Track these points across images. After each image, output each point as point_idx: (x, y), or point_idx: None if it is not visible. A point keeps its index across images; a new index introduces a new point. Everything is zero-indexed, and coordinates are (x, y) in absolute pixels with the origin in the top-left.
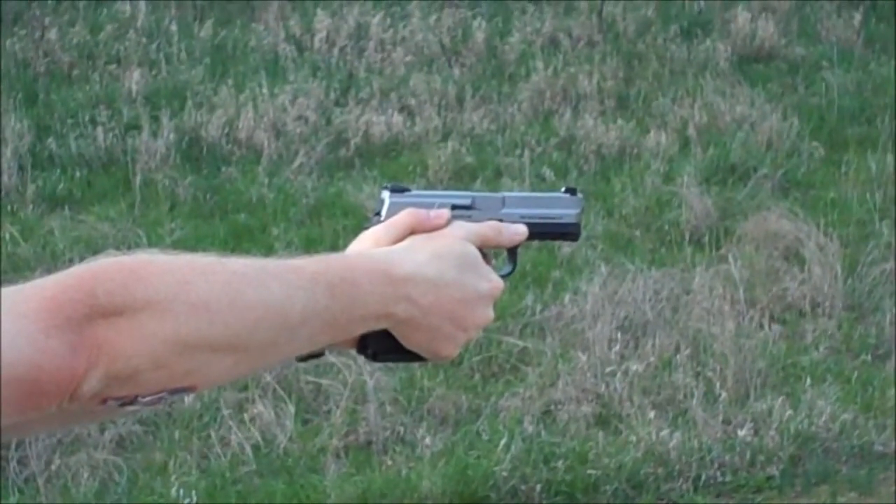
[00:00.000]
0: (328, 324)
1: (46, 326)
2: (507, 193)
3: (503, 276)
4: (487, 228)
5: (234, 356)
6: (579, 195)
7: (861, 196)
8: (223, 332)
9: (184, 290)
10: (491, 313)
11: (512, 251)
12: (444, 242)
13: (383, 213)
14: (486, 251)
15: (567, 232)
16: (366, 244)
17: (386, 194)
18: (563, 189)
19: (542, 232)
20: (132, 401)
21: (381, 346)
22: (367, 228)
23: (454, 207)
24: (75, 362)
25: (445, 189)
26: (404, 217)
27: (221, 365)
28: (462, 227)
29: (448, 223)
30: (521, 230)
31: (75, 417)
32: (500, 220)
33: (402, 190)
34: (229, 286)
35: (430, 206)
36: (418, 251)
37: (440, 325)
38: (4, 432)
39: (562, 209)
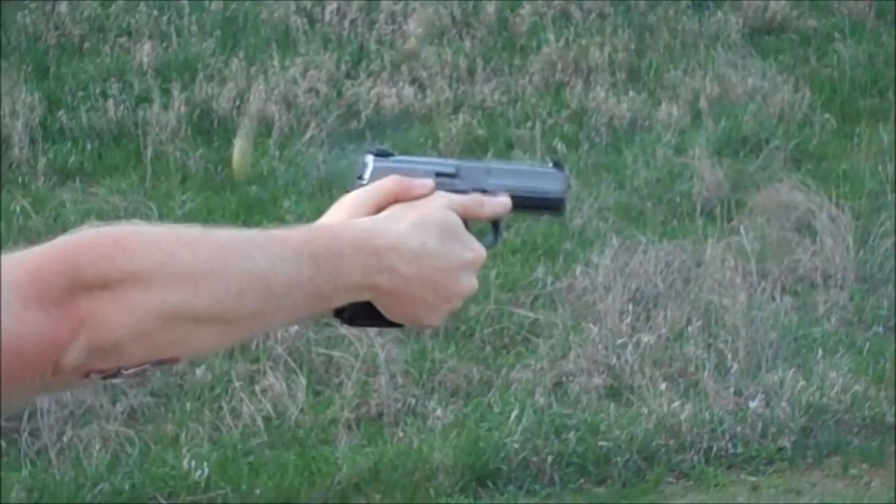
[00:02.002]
0: (312, 294)
1: (26, 298)
2: (492, 164)
3: (486, 248)
4: (470, 200)
5: (218, 327)
6: (566, 171)
7: (873, 168)
8: (208, 303)
9: (169, 261)
10: (475, 282)
11: (496, 222)
12: (427, 211)
13: (366, 177)
14: (469, 222)
15: (551, 205)
16: (347, 207)
17: (370, 158)
18: (550, 163)
19: (526, 204)
20: (115, 373)
21: (358, 310)
22: (349, 192)
23: (438, 175)
24: (56, 333)
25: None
26: (388, 183)
27: (205, 336)
28: (445, 197)
29: (432, 192)
30: (505, 202)
31: (59, 389)
32: (485, 191)
33: (386, 154)
34: (214, 257)
35: (413, 172)
36: (401, 220)
37: (423, 294)
38: None
39: (547, 183)
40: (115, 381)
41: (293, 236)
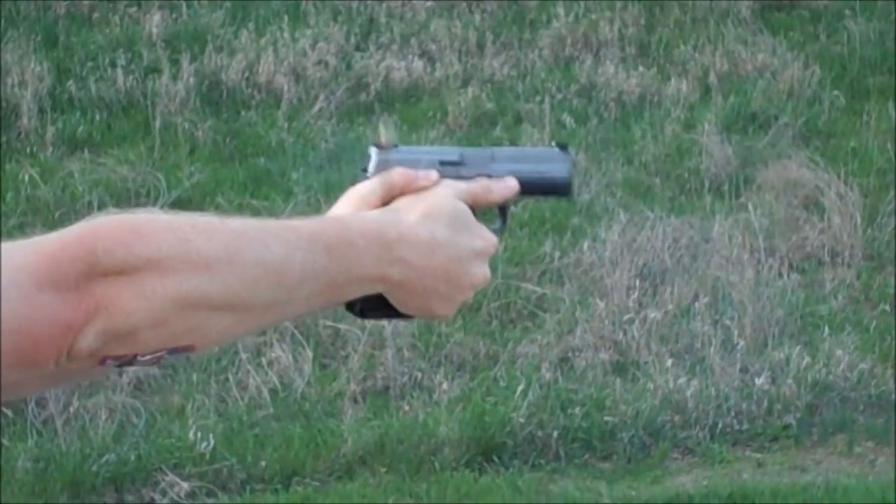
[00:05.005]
0: (326, 284)
1: (40, 282)
2: (496, 149)
3: (495, 232)
4: (477, 186)
5: (233, 315)
6: (570, 151)
7: (881, 145)
8: (223, 291)
9: (185, 248)
10: (487, 271)
11: (503, 207)
12: (436, 202)
13: (371, 169)
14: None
15: (558, 188)
16: (353, 201)
17: (373, 150)
18: (553, 144)
19: (532, 188)
20: (131, 360)
21: (370, 303)
22: (354, 184)
23: (442, 163)
24: (71, 318)
25: (432, 144)
26: (393, 176)
27: (221, 324)
28: (453, 186)
29: (436, 183)
30: (512, 185)
31: (75, 376)
32: (490, 176)
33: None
34: (230, 244)
35: (417, 162)
36: (410, 212)
37: (435, 285)
38: (4, 391)
39: (553, 165)
40: (131, 367)
41: (305, 226)
